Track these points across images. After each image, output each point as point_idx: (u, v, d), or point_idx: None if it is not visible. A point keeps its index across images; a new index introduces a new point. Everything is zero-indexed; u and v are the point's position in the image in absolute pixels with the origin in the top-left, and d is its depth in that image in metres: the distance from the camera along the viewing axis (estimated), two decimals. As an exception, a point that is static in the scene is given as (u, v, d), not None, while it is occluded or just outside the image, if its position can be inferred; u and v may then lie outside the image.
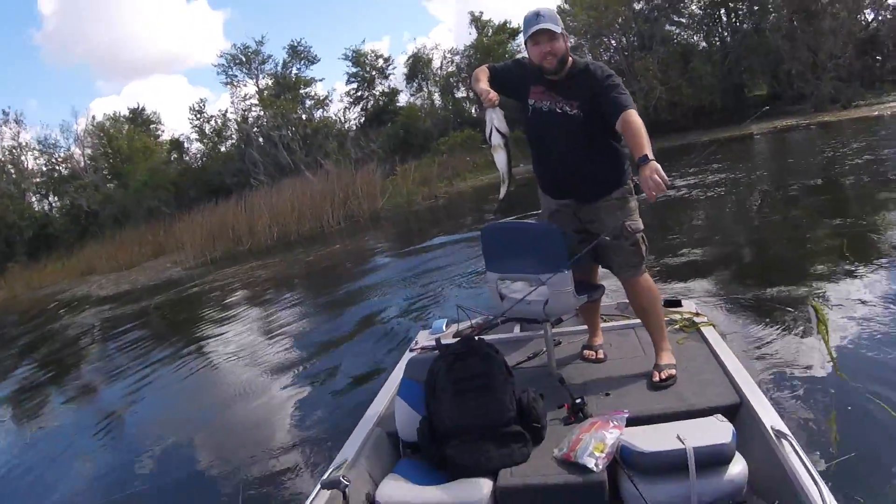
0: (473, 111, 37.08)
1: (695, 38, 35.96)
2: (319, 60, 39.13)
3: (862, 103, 27.82)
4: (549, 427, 3.02)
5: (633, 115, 3.25)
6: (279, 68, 38.02)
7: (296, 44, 37.99)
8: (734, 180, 13.74)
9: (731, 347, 3.71)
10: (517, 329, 4.50)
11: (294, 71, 38.11)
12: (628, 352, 3.77)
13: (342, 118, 38.72)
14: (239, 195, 23.83)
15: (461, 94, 38.41)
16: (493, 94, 3.31)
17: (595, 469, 2.53)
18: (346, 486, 2.66)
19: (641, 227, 3.54)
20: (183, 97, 67.31)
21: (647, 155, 3.08)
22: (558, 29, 3.30)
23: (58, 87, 65.92)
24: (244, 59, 37.32)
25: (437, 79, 38.49)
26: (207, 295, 14.39)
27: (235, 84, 37.68)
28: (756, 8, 33.85)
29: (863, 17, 32.37)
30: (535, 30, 3.29)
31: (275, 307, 11.27)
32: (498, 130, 3.31)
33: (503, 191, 3.51)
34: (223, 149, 37.08)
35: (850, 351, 4.61)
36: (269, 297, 12.66)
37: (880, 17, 32.68)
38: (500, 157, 3.37)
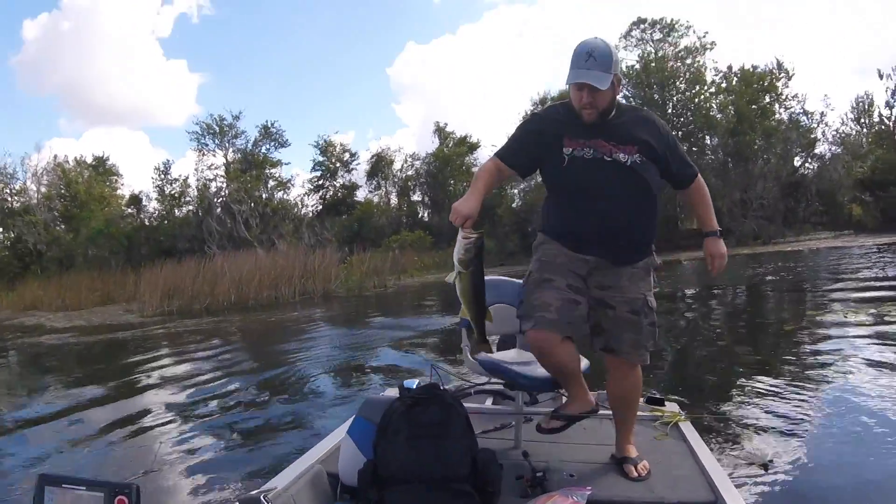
0: (426, 215, 39.25)
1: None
2: (290, 145, 40.84)
3: (782, 241, 30.67)
4: (503, 497, 2.81)
5: (704, 182, 3.26)
6: (249, 145, 39.63)
7: (269, 125, 39.69)
8: (683, 297, 15.82)
9: (711, 447, 3.73)
10: (489, 402, 4.34)
11: (263, 150, 39.77)
12: (601, 440, 3.46)
13: (301, 203, 40.45)
14: (191, 260, 24.78)
15: (416, 197, 40.95)
16: (461, 218, 2.86)
17: None
18: None
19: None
20: (141, 155, 67.51)
21: (719, 230, 3.23)
22: (605, 84, 2.87)
23: (22, 116, 65.02)
24: (217, 130, 38.81)
25: (397, 180, 40.88)
26: (175, 338, 15.29)
27: (204, 152, 39.11)
28: (695, 149, 37.16)
29: (791, 163, 35.62)
30: (577, 81, 2.92)
31: (241, 353, 12.46)
32: (456, 261, 2.89)
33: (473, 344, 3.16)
34: (178, 213, 38.02)
35: (824, 451, 4.76)
36: (236, 344, 13.85)
37: (808, 165, 36.35)
38: (461, 296, 2.94)
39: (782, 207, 33.83)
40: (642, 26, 38.93)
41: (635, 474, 3.04)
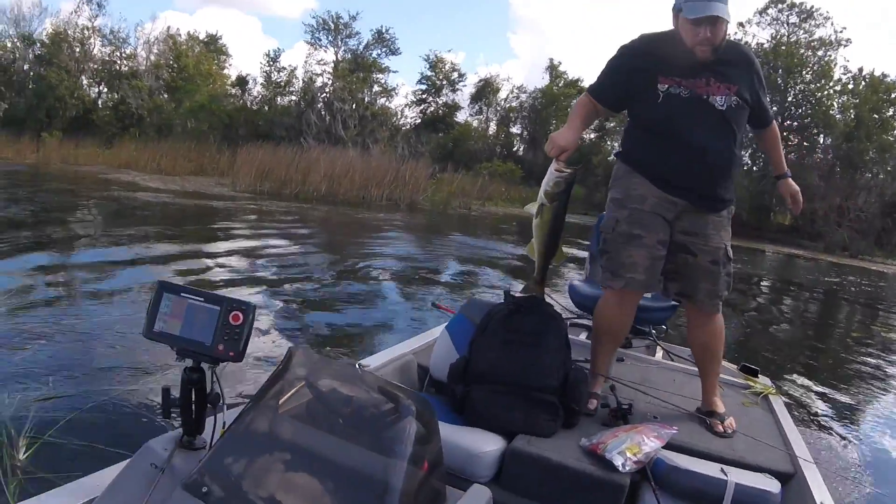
0: (521, 149, 38.81)
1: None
2: (400, 54, 40.69)
3: (869, 258, 29.73)
4: (585, 420, 2.81)
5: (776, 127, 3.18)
6: (361, 47, 39.45)
7: (384, 30, 39.44)
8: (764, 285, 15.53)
9: (797, 424, 3.68)
10: (583, 336, 4.31)
11: (374, 54, 39.52)
12: (690, 393, 3.35)
13: (400, 113, 40.31)
14: (287, 148, 25.26)
15: (515, 129, 40.51)
16: (557, 149, 2.78)
17: (620, 469, 2.29)
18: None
19: None
20: (250, 39, 68.50)
21: (789, 171, 3.20)
22: (728, 16, 2.70)
23: None
24: (333, 27, 38.76)
25: (499, 108, 40.36)
26: (266, 215, 15.67)
27: (316, 46, 39.22)
28: (806, 144, 35.68)
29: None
30: (704, 14, 2.69)
31: (328, 238, 12.87)
32: (542, 192, 2.79)
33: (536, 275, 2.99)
34: (280, 101, 38.26)
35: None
36: (325, 230, 14.21)
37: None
38: (536, 230, 2.86)
39: (878, 225, 32.37)
40: (780, 6, 36.87)
41: (720, 429, 2.92)
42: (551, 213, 2.77)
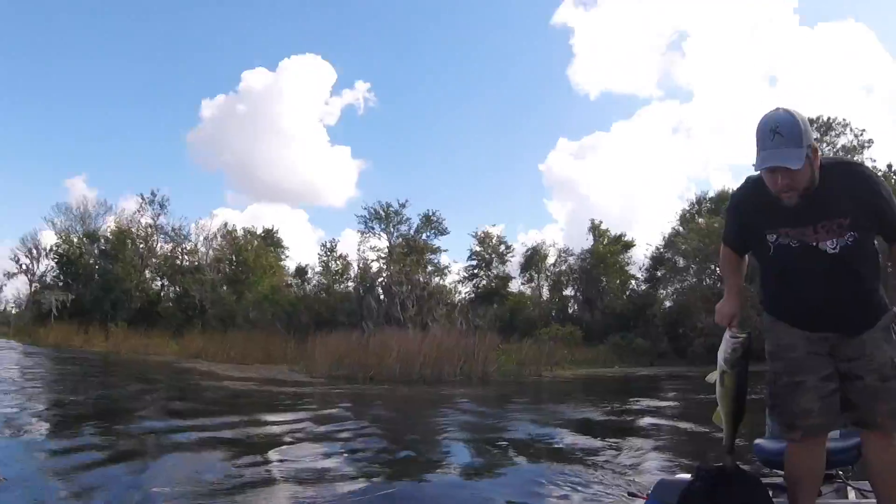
0: (576, 310, 39.34)
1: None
2: (449, 233, 42.63)
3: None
4: None
5: None
6: (412, 231, 41.74)
7: (430, 213, 41.84)
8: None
9: None
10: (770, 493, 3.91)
11: (424, 236, 41.69)
12: None
13: (455, 289, 41.54)
14: (352, 333, 26.14)
15: (568, 292, 41.35)
16: (726, 318, 2.89)
17: None
18: None
19: None
20: (299, 231, 72.16)
21: None
22: (799, 162, 2.55)
23: (193, 186, 72.63)
24: (383, 215, 41.24)
25: (549, 274, 41.26)
26: (352, 398, 15.97)
27: (368, 234, 41.67)
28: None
29: None
30: (766, 166, 2.63)
31: (429, 418, 12.85)
32: (722, 360, 2.82)
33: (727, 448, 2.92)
34: (338, 288, 39.78)
35: None
36: (418, 410, 14.36)
37: None
38: (720, 398, 2.86)
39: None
40: (800, 125, 37.42)
41: None
42: (734, 379, 2.80)
